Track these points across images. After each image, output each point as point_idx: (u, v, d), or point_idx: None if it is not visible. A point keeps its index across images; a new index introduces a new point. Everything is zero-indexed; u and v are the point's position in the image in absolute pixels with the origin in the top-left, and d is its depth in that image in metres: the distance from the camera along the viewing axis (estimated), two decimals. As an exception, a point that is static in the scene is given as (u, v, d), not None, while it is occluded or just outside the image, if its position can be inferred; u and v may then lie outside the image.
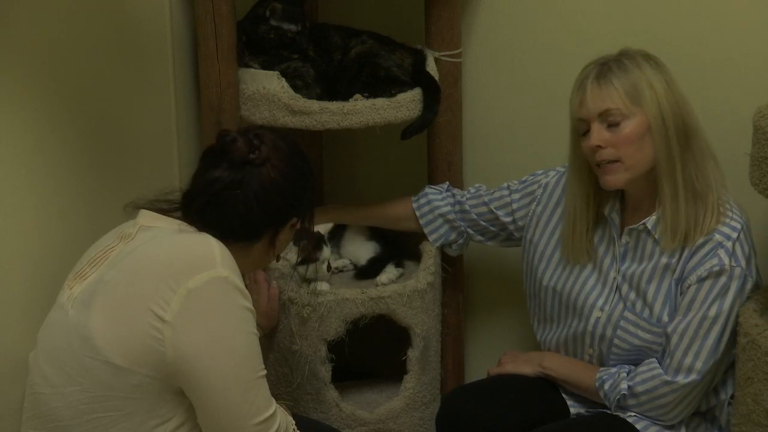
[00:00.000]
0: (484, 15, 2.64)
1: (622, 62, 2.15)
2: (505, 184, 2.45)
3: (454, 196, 2.49)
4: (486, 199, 2.45)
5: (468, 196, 2.47)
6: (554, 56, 2.64)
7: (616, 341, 2.24)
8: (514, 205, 2.41)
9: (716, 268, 2.12)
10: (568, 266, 2.32)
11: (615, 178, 2.17)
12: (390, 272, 2.52)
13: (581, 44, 2.60)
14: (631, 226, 2.22)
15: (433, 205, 2.49)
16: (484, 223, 2.46)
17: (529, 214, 2.39)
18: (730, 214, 2.16)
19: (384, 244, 2.58)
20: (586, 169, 2.23)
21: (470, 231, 2.49)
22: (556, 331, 2.35)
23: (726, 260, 2.12)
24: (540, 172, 2.42)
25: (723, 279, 2.12)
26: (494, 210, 2.43)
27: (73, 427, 1.83)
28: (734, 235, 2.14)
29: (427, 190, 2.51)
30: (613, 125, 2.14)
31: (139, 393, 1.80)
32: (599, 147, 2.15)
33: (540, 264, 2.36)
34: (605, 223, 2.26)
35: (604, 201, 2.26)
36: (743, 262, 2.13)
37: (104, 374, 1.79)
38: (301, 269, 2.39)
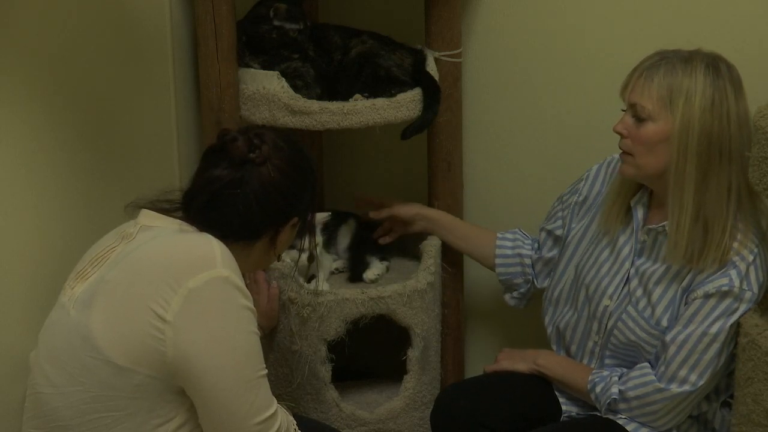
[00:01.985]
0: (484, 15, 2.64)
1: (676, 64, 2.11)
2: (556, 200, 2.44)
3: (533, 240, 2.49)
4: (543, 226, 2.45)
5: (540, 235, 2.47)
6: (554, 56, 2.64)
7: (615, 332, 2.24)
8: (565, 208, 2.40)
9: (725, 288, 2.10)
10: (590, 248, 2.32)
11: (625, 169, 2.19)
12: (376, 267, 2.53)
13: (581, 44, 2.61)
14: (650, 226, 2.21)
15: (516, 244, 2.49)
16: (548, 255, 2.44)
17: (571, 206, 2.39)
18: (750, 236, 2.13)
19: (367, 241, 2.58)
20: None
21: (537, 280, 2.48)
22: (565, 312, 2.35)
23: (736, 282, 2.10)
24: (586, 171, 2.41)
25: (729, 300, 2.10)
26: (548, 229, 2.43)
27: (75, 427, 1.83)
28: (750, 258, 2.11)
29: (517, 230, 2.51)
30: (639, 120, 2.13)
31: (141, 393, 1.80)
32: (620, 134, 2.17)
33: (571, 243, 2.36)
34: (631, 213, 2.26)
35: (634, 192, 2.25)
36: (755, 287, 2.11)
37: (105, 374, 1.79)
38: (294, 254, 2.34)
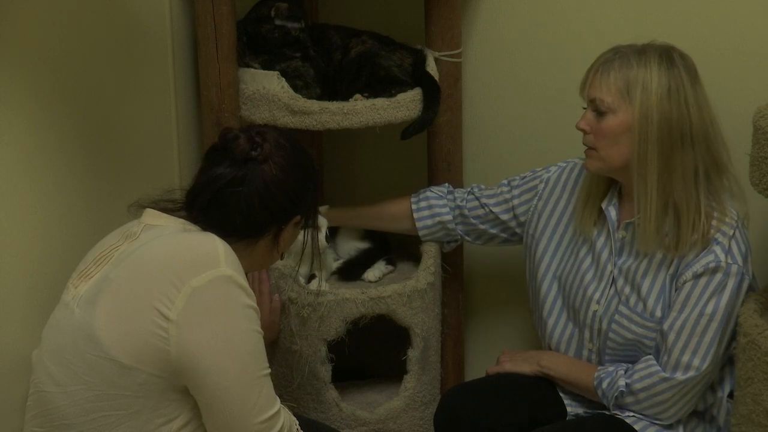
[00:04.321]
0: (484, 15, 2.64)
1: (630, 56, 2.15)
2: (505, 180, 2.45)
3: (455, 200, 2.48)
4: (484, 200, 2.45)
5: (467, 199, 2.47)
6: (554, 56, 2.64)
7: (611, 335, 2.25)
8: (515, 201, 2.42)
9: (712, 265, 2.13)
10: (570, 260, 2.33)
11: (590, 164, 2.22)
12: (378, 269, 2.53)
13: (581, 44, 2.61)
14: (627, 221, 2.23)
15: (434, 211, 2.49)
16: (482, 226, 2.46)
17: (531, 209, 2.40)
18: (727, 212, 2.16)
19: (374, 242, 2.58)
20: None
21: (467, 238, 2.50)
22: (557, 326, 2.35)
23: (722, 257, 2.13)
24: (540, 168, 2.43)
25: (719, 276, 2.13)
26: (492, 210, 2.44)
27: (78, 426, 1.83)
28: (730, 232, 2.15)
29: (429, 193, 2.51)
30: (599, 114, 2.16)
31: (145, 391, 1.80)
32: (583, 131, 2.20)
33: (543, 258, 2.37)
34: (603, 216, 2.27)
35: (603, 193, 2.27)
36: (740, 260, 2.14)
37: (110, 373, 1.79)
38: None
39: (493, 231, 2.46)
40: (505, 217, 2.43)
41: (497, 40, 2.66)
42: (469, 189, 2.49)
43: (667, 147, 2.13)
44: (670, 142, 2.12)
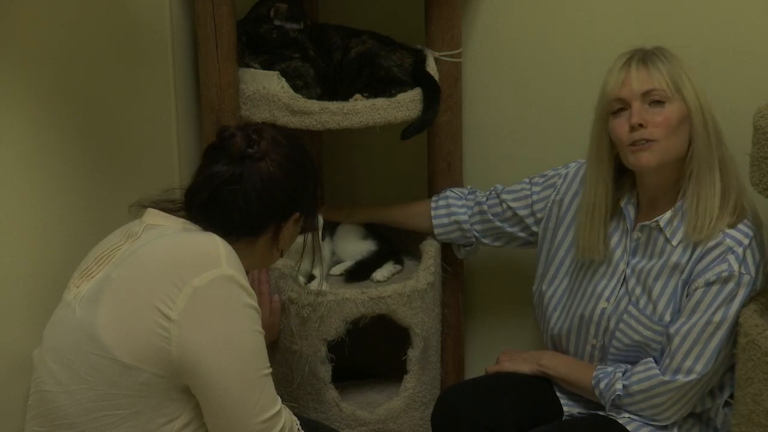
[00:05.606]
0: (484, 15, 2.64)
1: (663, 53, 2.18)
2: (526, 179, 2.46)
3: (475, 197, 2.50)
4: (503, 196, 2.46)
5: (489, 196, 2.49)
6: (554, 56, 2.64)
7: (617, 334, 2.25)
8: (534, 197, 2.42)
9: (725, 274, 2.12)
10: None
11: (649, 157, 2.16)
12: (387, 269, 2.53)
13: (581, 44, 2.61)
14: (643, 223, 2.23)
15: (451, 210, 2.50)
16: (500, 224, 2.46)
17: (548, 204, 2.40)
18: (744, 220, 2.17)
19: (380, 243, 2.58)
20: (607, 158, 2.24)
21: (484, 240, 2.51)
22: (560, 319, 2.35)
23: (735, 266, 2.12)
24: (560, 166, 2.43)
25: (731, 285, 2.12)
26: (510, 206, 2.44)
27: (80, 425, 1.83)
28: (746, 241, 2.14)
29: (449, 192, 2.53)
30: (655, 106, 2.16)
31: (146, 391, 1.80)
32: (641, 126, 2.16)
33: (558, 250, 2.37)
34: (620, 214, 2.27)
35: (621, 193, 2.28)
36: (753, 270, 2.14)
37: (111, 372, 1.79)
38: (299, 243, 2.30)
39: (511, 229, 2.46)
40: (523, 213, 2.43)
41: (497, 40, 2.66)
42: (492, 188, 2.50)
43: (715, 135, 2.16)
44: (716, 132, 2.17)
